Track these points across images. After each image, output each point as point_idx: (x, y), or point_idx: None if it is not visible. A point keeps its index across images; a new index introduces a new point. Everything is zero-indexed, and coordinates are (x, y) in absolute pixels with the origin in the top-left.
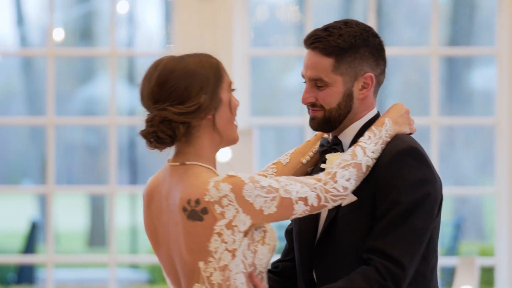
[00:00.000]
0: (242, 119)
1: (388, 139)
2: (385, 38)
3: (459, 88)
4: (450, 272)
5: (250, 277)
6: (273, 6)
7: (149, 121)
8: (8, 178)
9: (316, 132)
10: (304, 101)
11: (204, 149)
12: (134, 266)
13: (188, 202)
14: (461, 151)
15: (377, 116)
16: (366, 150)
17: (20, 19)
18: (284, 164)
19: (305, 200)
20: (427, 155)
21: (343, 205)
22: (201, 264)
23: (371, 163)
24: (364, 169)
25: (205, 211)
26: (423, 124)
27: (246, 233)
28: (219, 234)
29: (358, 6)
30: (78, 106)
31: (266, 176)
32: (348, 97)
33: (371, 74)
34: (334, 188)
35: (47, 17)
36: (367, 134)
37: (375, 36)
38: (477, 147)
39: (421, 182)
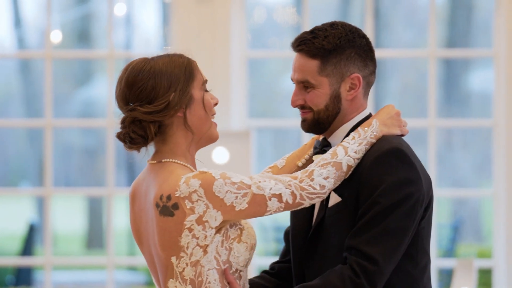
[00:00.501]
0: (240, 121)
1: (374, 140)
2: (383, 40)
3: (457, 90)
4: (448, 274)
5: (224, 274)
6: (270, 8)
7: (122, 123)
8: (6, 180)
9: (314, 136)
10: (293, 104)
11: (179, 146)
12: (132, 268)
13: (161, 198)
14: (459, 153)
15: (368, 118)
16: (348, 150)
17: (17, 21)
18: (280, 167)
19: (279, 197)
20: (413, 156)
21: (329, 205)
22: (173, 260)
23: (353, 163)
24: (344, 168)
25: (176, 206)
26: (421, 126)
27: (219, 230)
28: (190, 229)
29: (356, 8)
30: (76, 108)
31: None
32: (336, 98)
33: (358, 74)
34: (309, 185)
35: (44, 19)
36: (352, 134)
37: (362, 37)
38: (475, 149)
39: (403, 183)
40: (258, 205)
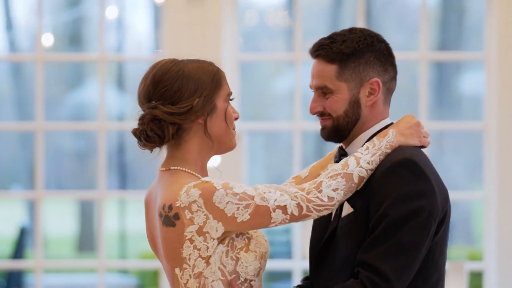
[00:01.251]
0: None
1: (389, 151)
2: None
3: (448, 93)
4: None
5: (230, 285)
6: (262, 11)
7: (140, 119)
8: None
9: (338, 144)
10: (311, 111)
11: (191, 153)
12: (123, 271)
13: (163, 207)
14: (450, 156)
15: (388, 127)
16: (361, 161)
17: (9, 24)
18: (303, 178)
19: (283, 208)
20: (428, 168)
21: (342, 216)
22: (177, 271)
23: (365, 174)
24: (355, 179)
25: (177, 216)
26: None
27: (222, 240)
28: (191, 241)
29: (348, 11)
30: (67, 112)
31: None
32: (355, 104)
33: (378, 79)
34: (317, 197)
35: (36, 22)
36: (366, 144)
37: (381, 41)
38: (466, 151)
39: (413, 195)
40: (261, 217)
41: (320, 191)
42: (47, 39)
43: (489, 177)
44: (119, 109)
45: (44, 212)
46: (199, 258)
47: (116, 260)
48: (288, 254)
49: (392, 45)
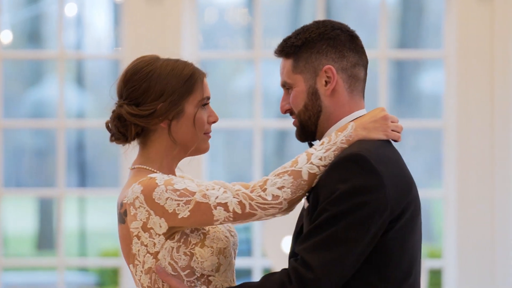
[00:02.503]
0: None
1: (345, 145)
2: None
3: (408, 91)
4: None
5: (157, 272)
6: (222, 9)
7: (111, 113)
8: None
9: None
10: (281, 110)
11: (157, 153)
12: (83, 269)
13: (117, 205)
14: (410, 154)
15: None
16: (312, 157)
17: None
18: None
19: (225, 206)
20: (382, 163)
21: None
22: (131, 267)
23: (316, 170)
24: (305, 177)
25: (125, 213)
26: None
27: (171, 236)
28: (138, 237)
29: (307, 9)
30: (26, 109)
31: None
32: (314, 95)
33: (330, 66)
34: (259, 196)
35: None
36: (323, 139)
37: (336, 28)
38: (425, 150)
39: (357, 190)
40: (203, 214)
41: (264, 190)
42: (6, 36)
43: (448, 175)
44: (78, 106)
45: (3, 210)
46: (148, 254)
47: (76, 258)
48: (248, 252)
49: None
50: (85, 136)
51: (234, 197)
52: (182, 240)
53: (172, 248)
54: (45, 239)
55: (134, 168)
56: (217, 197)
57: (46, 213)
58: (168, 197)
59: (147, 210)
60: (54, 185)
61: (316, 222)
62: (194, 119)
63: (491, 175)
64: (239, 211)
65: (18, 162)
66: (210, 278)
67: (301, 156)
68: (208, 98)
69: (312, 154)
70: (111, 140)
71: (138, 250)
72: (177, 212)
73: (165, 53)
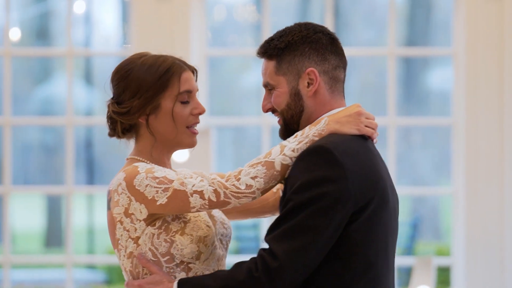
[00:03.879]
0: (200, 119)
1: (316, 138)
2: (343, 39)
3: (416, 88)
4: (407, 272)
5: (138, 258)
6: (230, 6)
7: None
8: None
9: None
10: (263, 109)
11: (145, 147)
12: (91, 267)
13: (106, 193)
14: (418, 151)
15: None
16: (285, 149)
17: None
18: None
19: (201, 193)
20: (347, 155)
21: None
22: (116, 252)
23: (289, 161)
24: (277, 167)
25: (111, 199)
26: (381, 124)
27: (152, 223)
28: (121, 222)
29: (316, 7)
30: (35, 106)
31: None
32: (296, 96)
33: (313, 68)
34: (233, 185)
35: (3, 17)
36: (297, 132)
37: (318, 31)
38: (434, 147)
39: (318, 181)
40: (180, 201)
41: (238, 179)
42: (15, 34)
43: (457, 172)
44: (87, 103)
45: (12, 207)
46: (129, 239)
47: (84, 255)
48: (256, 250)
49: (360, 41)
50: (93, 133)
51: (209, 186)
52: (163, 227)
53: (153, 234)
54: (53, 236)
55: (127, 159)
56: (193, 185)
57: (54, 210)
58: (148, 184)
59: (128, 196)
60: (62, 182)
61: (282, 212)
62: (172, 114)
63: (500, 172)
64: (214, 199)
65: (26, 159)
66: (190, 265)
67: (275, 148)
68: (188, 91)
69: (285, 146)
70: (109, 135)
71: (121, 235)
72: (156, 199)
73: (173, 51)
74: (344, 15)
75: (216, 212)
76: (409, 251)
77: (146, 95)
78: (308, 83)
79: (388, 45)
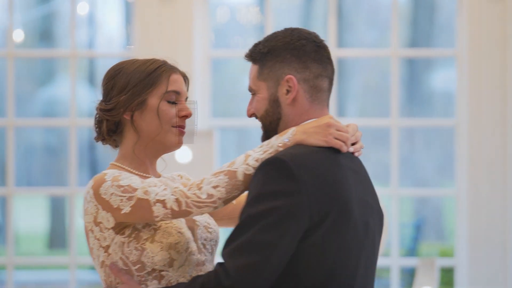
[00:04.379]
0: (203, 120)
1: (281, 149)
2: (346, 40)
3: (419, 90)
4: (410, 273)
5: (110, 267)
6: (233, 8)
7: None
8: None
9: None
10: (247, 113)
11: (127, 149)
12: (94, 268)
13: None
14: (421, 153)
15: None
16: (249, 158)
17: None
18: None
19: (163, 203)
20: (306, 168)
21: None
22: (92, 261)
23: (252, 171)
24: (240, 177)
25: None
26: (384, 126)
27: (121, 231)
28: (92, 231)
29: (319, 8)
30: (38, 108)
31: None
32: (275, 103)
33: (292, 76)
34: (194, 194)
35: (6, 18)
36: (263, 142)
37: (302, 38)
38: (437, 148)
39: (270, 194)
40: (144, 210)
41: (200, 188)
42: (18, 35)
43: (460, 174)
44: (90, 105)
45: (15, 209)
46: (100, 248)
47: (88, 256)
48: None
49: (363, 42)
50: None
51: (172, 195)
52: (133, 235)
53: (123, 242)
54: (57, 237)
55: (111, 164)
56: (156, 194)
57: (58, 212)
58: (113, 193)
59: (95, 205)
60: (65, 183)
61: (236, 225)
62: (158, 111)
63: (503, 174)
64: (176, 208)
65: (29, 161)
66: (162, 273)
67: (240, 157)
68: (176, 92)
69: (250, 155)
70: (95, 138)
71: (93, 244)
72: (121, 208)
73: (176, 52)
74: (347, 16)
75: (200, 217)
76: (412, 252)
77: (133, 91)
78: (287, 90)
79: (391, 46)
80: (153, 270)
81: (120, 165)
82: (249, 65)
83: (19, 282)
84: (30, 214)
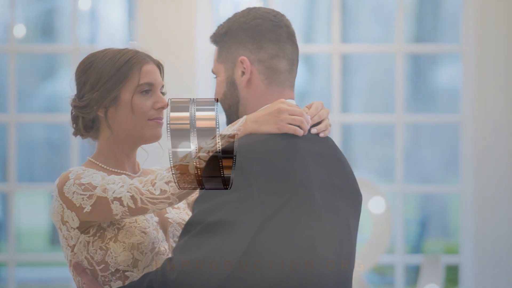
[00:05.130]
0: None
1: (232, 139)
2: (350, 35)
3: (425, 86)
4: (415, 270)
5: (74, 267)
6: (237, 3)
7: None
8: None
9: None
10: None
11: (102, 145)
12: None
13: None
14: (426, 149)
15: None
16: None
17: None
18: None
19: (120, 200)
20: (253, 160)
21: None
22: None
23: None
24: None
25: None
26: (389, 122)
27: (86, 230)
28: (60, 229)
29: (323, 3)
30: (40, 103)
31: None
32: (232, 85)
33: (244, 57)
34: (148, 190)
35: (8, 13)
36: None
37: (258, 18)
38: (442, 144)
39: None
40: (103, 208)
41: (154, 184)
42: (20, 31)
43: (465, 170)
44: None
45: (17, 205)
46: (68, 247)
47: None
48: None
49: (368, 37)
50: None
51: (127, 192)
52: (98, 234)
53: (88, 242)
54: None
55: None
56: (114, 191)
57: None
58: (75, 191)
59: (60, 204)
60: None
61: (187, 220)
62: (132, 106)
63: (508, 170)
64: (132, 205)
65: (31, 157)
66: (126, 273)
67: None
68: (149, 84)
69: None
70: (73, 134)
71: (62, 242)
72: (83, 206)
73: (179, 47)
74: (351, 11)
75: (176, 213)
76: (417, 249)
77: (105, 87)
78: (242, 71)
79: (396, 42)
80: (117, 270)
81: (94, 161)
82: None
83: (21, 279)
84: (32, 211)
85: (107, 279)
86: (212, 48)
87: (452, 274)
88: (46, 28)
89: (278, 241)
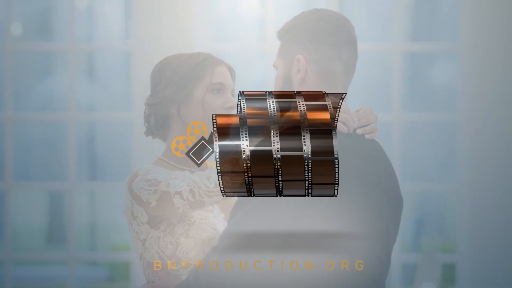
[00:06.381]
0: None
1: None
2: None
3: (421, 84)
4: (412, 269)
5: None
6: (234, 1)
7: None
8: None
9: None
10: None
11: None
12: (93, 264)
13: None
14: (423, 147)
15: None
16: None
17: None
18: None
19: (180, 194)
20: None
21: None
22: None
23: None
24: None
25: None
26: (385, 121)
27: (156, 225)
28: (131, 224)
29: (320, 2)
30: (36, 102)
31: None
32: (287, 81)
33: (301, 56)
34: (204, 184)
35: (4, 11)
36: None
37: (322, 20)
38: (439, 143)
39: None
40: (166, 203)
41: (209, 178)
42: (16, 29)
43: (462, 169)
44: (89, 99)
45: (13, 204)
46: (139, 241)
47: (86, 252)
48: None
49: (364, 35)
50: (95, 129)
51: (187, 186)
52: (168, 230)
53: (158, 237)
54: (56, 233)
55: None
56: (175, 186)
57: (57, 207)
58: (142, 187)
59: (130, 200)
60: (64, 178)
61: None
62: (203, 103)
63: (505, 169)
64: (191, 199)
65: (28, 156)
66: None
67: None
68: (221, 84)
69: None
70: (145, 133)
71: (132, 236)
72: (150, 202)
73: (176, 45)
74: (348, 8)
75: None
76: (414, 248)
77: (179, 84)
78: (297, 70)
79: (393, 40)
80: (189, 265)
81: (164, 159)
82: (250, 58)
83: (17, 277)
84: (28, 209)
85: (178, 273)
86: (210, 47)
87: (448, 273)
88: (42, 26)
89: None
